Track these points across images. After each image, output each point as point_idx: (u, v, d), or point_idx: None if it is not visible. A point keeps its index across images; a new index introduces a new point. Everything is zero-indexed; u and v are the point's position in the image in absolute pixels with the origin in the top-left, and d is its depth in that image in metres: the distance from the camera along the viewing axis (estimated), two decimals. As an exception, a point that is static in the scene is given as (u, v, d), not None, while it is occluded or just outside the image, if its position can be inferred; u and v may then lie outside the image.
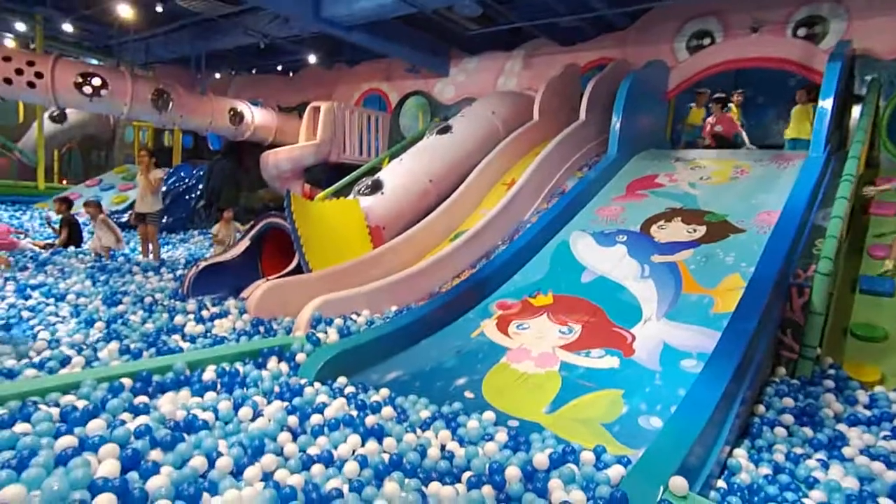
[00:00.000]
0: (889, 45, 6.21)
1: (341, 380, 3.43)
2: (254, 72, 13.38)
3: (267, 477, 2.40)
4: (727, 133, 6.83)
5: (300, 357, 3.65)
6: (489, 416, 3.07)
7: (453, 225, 6.16)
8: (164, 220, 9.29)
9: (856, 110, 6.31)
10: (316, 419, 2.87)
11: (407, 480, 2.40)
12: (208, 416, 2.79)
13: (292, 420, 2.83)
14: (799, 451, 2.89)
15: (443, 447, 2.75)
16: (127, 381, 3.00)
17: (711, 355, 3.22)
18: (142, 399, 2.88)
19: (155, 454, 2.39)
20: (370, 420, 2.89)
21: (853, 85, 6.26)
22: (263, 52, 11.11)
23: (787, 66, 6.64)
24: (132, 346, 3.77)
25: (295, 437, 2.71)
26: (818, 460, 2.77)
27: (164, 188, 10.51)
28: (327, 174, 10.03)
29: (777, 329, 3.81)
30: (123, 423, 2.59)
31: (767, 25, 6.87)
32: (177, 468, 2.33)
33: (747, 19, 7.00)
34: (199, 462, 2.34)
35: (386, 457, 2.59)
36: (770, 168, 5.83)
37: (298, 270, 5.27)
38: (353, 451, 2.64)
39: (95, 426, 2.51)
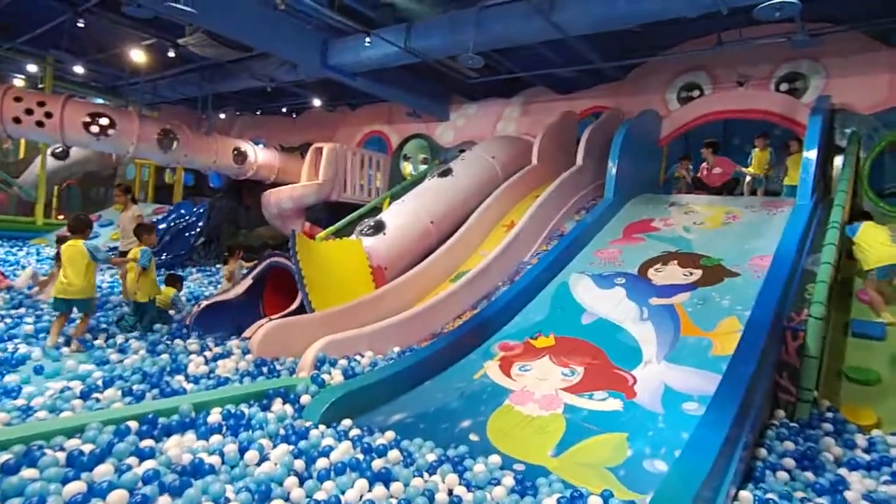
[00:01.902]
0: (866, 101, 6.58)
1: (346, 422, 3.43)
2: (258, 113, 13.74)
3: (276, 522, 2.41)
4: (726, 174, 7.08)
5: (305, 399, 3.66)
6: (495, 459, 3.08)
7: (454, 266, 6.26)
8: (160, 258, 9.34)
9: (838, 160, 6.60)
10: (322, 463, 2.87)
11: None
12: (214, 459, 2.79)
13: (298, 464, 2.83)
14: (800, 494, 2.92)
15: (450, 492, 2.76)
16: (133, 424, 3.01)
17: (713, 398, 3.28)
18: (148, 442, 2.88)
19: (164, 500, 2.40)
20: (377, 464, 2.90)
21: (834, 137, 6.58)
22: (268, 94, 11.47)
23: (771, 117, 6.98)
24: (135, 388, 3.77)
25: (301, 482, 2.70)
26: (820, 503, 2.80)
27: (163, 225, 10.66)
28: (328, 213, 10.21)
29: (774, 372, 3.89)
30: (130, 467, 2.60)
31: (752, 80, 7.25)
32: (187, 513, 2.34)
33: (734, 74, 7.39)
34: (208, 507, 2.35)
35: (394, 502, 2.60)
36: (760, 214, 6.04)
37: (301, 310, 5.32)
38: (361, 497, 2.64)
39: (103, 471, 2.51)
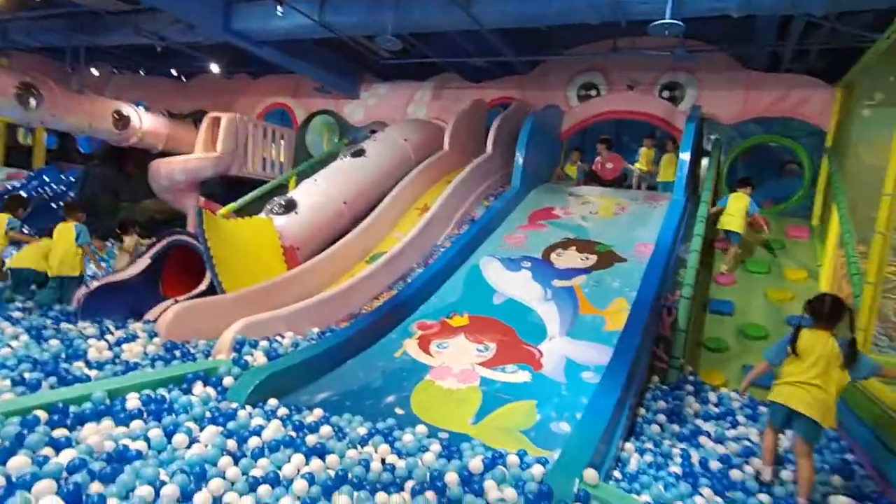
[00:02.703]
0: (727, 113, 7.70)
1: (273, 402, 3.47)
2: (141, 72, 12.41)
3: (217, 501, 2.45)
4: (616, 169, 7.86)
5: (228, 381, 3.62)
6: (422, 429, 3.32)
7: (369, 247, 6.35)
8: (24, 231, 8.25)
9: (704, 162, 7.67)
10: (254, 442, 2.92)
11: (356, 493, 2.59)
12: (140, 445, 2.74)
13: (230, 444, 2.86)
14: (668, 443, 3.52)
15: (383, 460, 2.95)
16: (41, 414, 2.82)
17: (606, 368, 3.82)
18: (61, 432, 2.74)
19: (96, 487, 2.33)
20: (311, 439, 3.01)
21: (702, 142, 7.61)
22: (155, 53, 10.40)
23: (654, 120, 7.88)
24: (27, 376, 3.45)
25: (236, 461, 2.74)
26: (681, 449, 3.41)
27: (24, 194, 9.38)
28: (225, 188, 9.64)
29: (653, 344, 4.57)
30: (48, 458, 2.47)
31: (641, 85, 8.10)
32: (123, 499, 2.31)
33: (625, 78, 8.19)
34: (145, 491, 2.34)
35: (332, 473, 2.74)
36: (644, 206, 6.86)
37: (210, 291, 5.12)
38: (299, 470, 2.74)
39: (19, 463, 2.37)
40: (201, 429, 2.99)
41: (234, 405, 3.34)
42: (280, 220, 6.18)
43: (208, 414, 3.18)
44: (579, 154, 8.12)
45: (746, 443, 3.53)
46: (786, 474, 3.11)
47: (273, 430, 3.07)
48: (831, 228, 5.75)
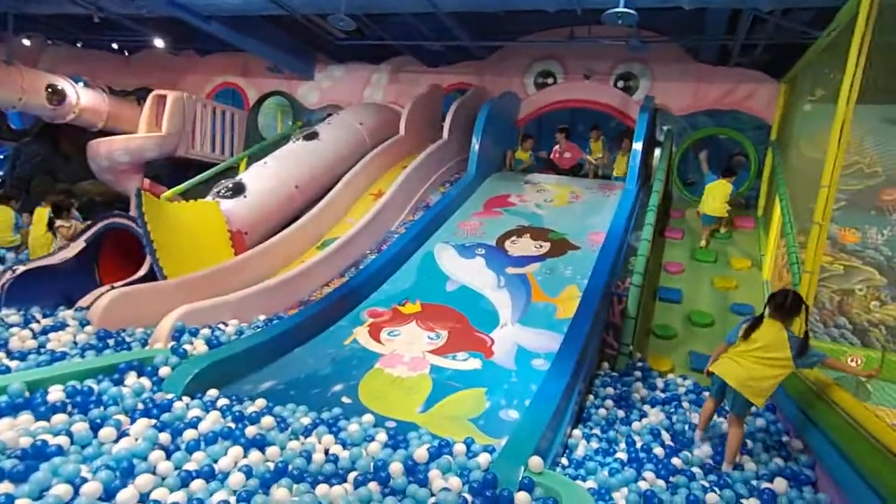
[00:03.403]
0: (679, 104, 7.86)
1: (212, 392, 3.33)
2: (78, 44, 11.60)
3: (144, 498, 2.31)
4: (574, 160, 7.90)
5: (164, 371, 3.45)
6: (368, 418, 3.26)
7: (321, 233, 6.18)
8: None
9: (657, 152, 7.82)
10: (190, 434, 2.80)
11: (296, 486, 2.50)
12: (61, 440, 2.56)
13: (164, 437, 2.73)
14: (615, 429, 3.56)
15: (327, 451, 2.87)
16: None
17: (556, 355, 3.83)
18: (-31, 427, 2.53)
19: (5, 487, 2.15)
20: (250, 431, 2.90)
21: (655, 132, 7.75)
22: (94, 25, 9.72)
23: (609, 110, 7.97)
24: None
25: (169, 455, 2.61)
26: (627, 435, 3.47)
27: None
28: (171, 170, 9.18)
29: (603, 331, 4.63)
30: (-48, 456, 2.27)
31: (597, 75, 8.16)
32: (35, 499, 2.14)
33: (582, 67, 8.23)
34: (61, 490, 2.18)
35: (271, 465, 2.64)
36: (598, 195, 6.94)
37: (150, 277, 4.86)
38: (236, 463, 2.64)
39: (-83, 461, 2.16)
40: (132, 422, 2.84)
41: (170, 396, 3.18)
42: (228, 204, 5.93)
43: (141, 406, 3.02)
44: (532, 141, 8.09)
45: (688, 429, 3.62)
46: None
47: (211, 421, 2.95)
48: (774, 219, 5.97)
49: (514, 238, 5.88)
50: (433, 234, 6.02)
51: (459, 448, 2.93)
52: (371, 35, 8.14)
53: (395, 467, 2.66)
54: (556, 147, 7.98)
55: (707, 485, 2.96)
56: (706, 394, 4.00)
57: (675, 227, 6.70)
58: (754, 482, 3.03)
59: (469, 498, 2.46)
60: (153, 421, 2.85)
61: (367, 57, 9.34)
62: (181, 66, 10.82)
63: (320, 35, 8.40)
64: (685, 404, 4.01)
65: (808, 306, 3.34)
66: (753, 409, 3.35)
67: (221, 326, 4.29)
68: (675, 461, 3.15)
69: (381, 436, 3.05)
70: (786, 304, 3.10)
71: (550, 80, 8.51)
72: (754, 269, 5.83)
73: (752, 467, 3.17)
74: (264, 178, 6.41)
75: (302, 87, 9.86)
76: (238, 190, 6.17)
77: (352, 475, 2.63)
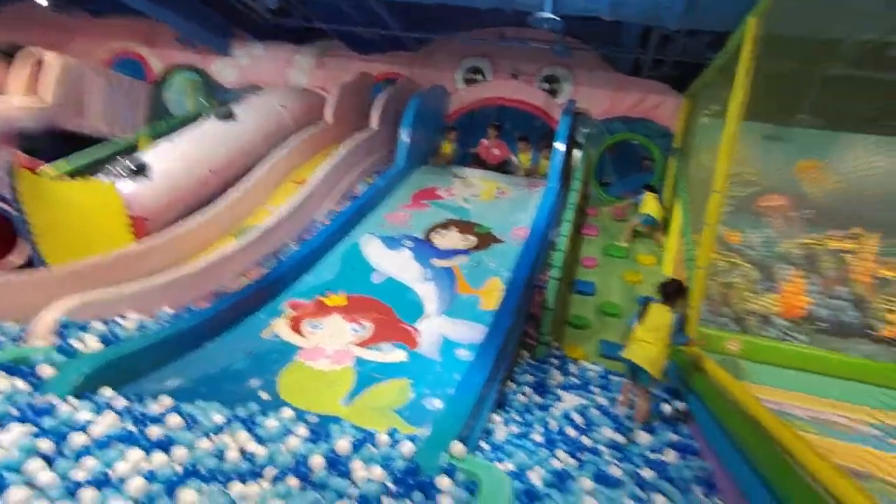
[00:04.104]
0: (598, 109, 8.31)
1: (107, 392, 3.02)
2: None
3: (21, 513, 2.08)
4: (503, 155, 8.07)
5: (46, 370, 3.07)
6: (288, 413, 3.11)
7: (238, 220, 5.88)
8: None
9: (577, 153, 8.22)
10: (79, 439, 2.51)
11: (205, 486, 2.35)
12: None
13: (45, 444, 2.43)
14: (532, 413, 3.72)
15: (242, 449, 2.69)
16: None
17: (480, 346, 3.95)
18: None
19: None
20: (153, 432, 2.67)
21: (575, 134, 8.15)
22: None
23: (535, 110, 8.27)
24: None
25: (51, 464, 2.33)
26: (543, 418, 3.65)
27: None
28: (51, 144, 8.18)
29: (524, 322, 4.83)
30: None
31: (524, 75, 8.42)
32: None
33: (510, 66, 8.46)
34: None
35: (178, 467, 2.46)
36: (523, 192, 7.18)
37: (29, 265, 4.37)
38: (136, 468, 2.40)
39: None
40: (2, 429, 2.48)
41: (54, 399, 2.83)
42: (127, 186, 5.41)
43: (14, 411, 2.65)
44: (456, 133, 8.18)
45: (595, 411, 3.87)
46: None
47: (105, 424, 2.65)
48: (675, 219, 6.51)
49: (440, 231, 5.95)
50: (359, 225, 5.94)
51: (383, 439, 2.92)
52: (297, 14, 7.85)
53: (316, 461, 2.60)
54: (485, 142, 8.10)
55: (611, 460, 3.20)
56: (613, 377, 4.38)
57: (591, 224, 7.09)
58: (650, 454, 3.31)
59: (392, 486, 2.49)
60: (31, 427, 2.51)
61: (291, 37, 8.96)
62: (69, 26, 9.60)
63: (240, 9, 7.96)
64: (595, 389, 4.28)
65: (689, 292, 4.00)
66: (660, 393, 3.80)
67: (119, 320, 3.94)
68: (585, 440, 3.37)
69: (302, 430, 2.95)
70: (670, 291, 3.78)
71: (479, 77, 8.67)
72: (658, 265, 6.33)
73: (647, 440, 3.46)
74: (172, 160, 5.94)
75: (217, 62, 9.25)
76: (140, 171, 5.64)
77: (270, 472, 2.53)
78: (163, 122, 8.45)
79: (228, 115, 6.82)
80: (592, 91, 8.29)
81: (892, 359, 5.16)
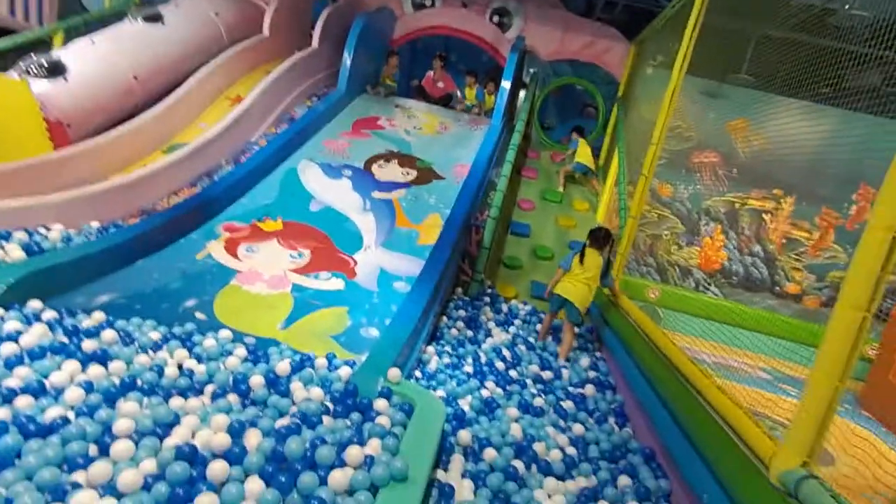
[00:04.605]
0: (546, 49, 8.22)
1: (35, 304, 2.90)
2: None
3: (-52, 423, 2.01)
4: (448, 89, 7.84)
5: (-37, 281, 2.89)
6: (226, 334, 3.12)
7: (167, 135, 5.46)
8: None
9: (522, 93, 8.19)
10: (9, 348, 2.44)
11: (146, 399, 2.36)
12: None
13: (-30, 355, 2.35)
14: (464, 347, 3.96)
15: (180, 366, 2.73)
16: None
17: (417, 279, 4.04)
18: None
19: None
20: (88, 345, 2.62)
21: (522, 73, 8.07)
22: None
23: (482, 44, 8.05)
24: None
25: (-20, 372, 2.27)
26: (472, 350, 3.89)
27: None
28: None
29: (460, 259, 4.95)
30: None
31: (475, 5, 8.10)
32: None
33: (461, -7, 8.09)
34: None
35: (116, 380, 2.45)
36: (466, 129, 7.13)
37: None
38: (73, 378, 2.39)
39: None
40: None
41: None
42: (42, 86, 4.85)
43: None
44: (397, 58, 7.83)
45: (522, 347, 4.13)
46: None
47: (36, 335, 2.59)
48: (612, 168, 6.76)
49: (381, 162, 5.84)
50: (297, 150, 5.71)
51: (321, 362, 3.00)
52: None
53: (256, 380, 2.65)
54: (430, 73, 7.86)
55: (536, 392, 3.48)
56: (542, 316, 4.64)
57: (531, 166, 7.22)
58: (570, 388, 3.63)
59: (331, 406, 2.58)
60: (-48, 339, 2.42)
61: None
62: None
63: None
64: (524, 326, 4.56)
65: (615, 240, 4.42)
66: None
67: (42, 231, 3.68)
68: (512, 373, 3.63)
69: (240, 350, 2.97)
70: (599, 237, 4.16)
71: (429, 3, 8.25)
72: (591, 212, 6.61)
73: (568, 375, 3.78)
74: (92, 61, 5.32)
75: (139, -46, 8.18)
76: (56, 70, 5.04)
77: (209, 388, 2.56)
78: (78, 17, 7.46)
79: (155, 18, 6.11)
80: (542, 29, 8.14)
81: (792, 313, 5.85)
